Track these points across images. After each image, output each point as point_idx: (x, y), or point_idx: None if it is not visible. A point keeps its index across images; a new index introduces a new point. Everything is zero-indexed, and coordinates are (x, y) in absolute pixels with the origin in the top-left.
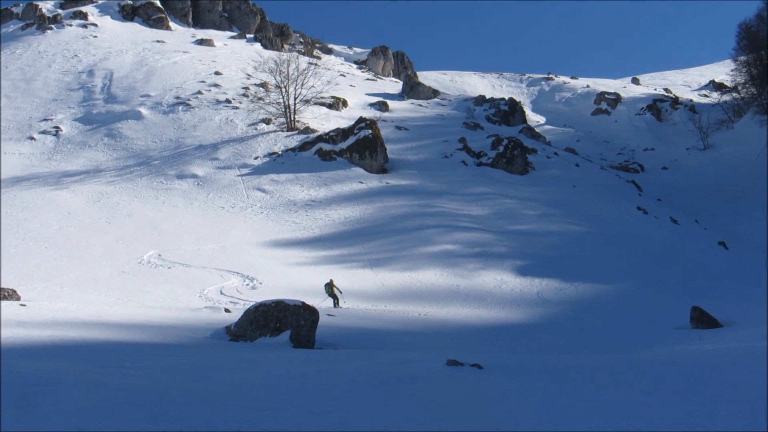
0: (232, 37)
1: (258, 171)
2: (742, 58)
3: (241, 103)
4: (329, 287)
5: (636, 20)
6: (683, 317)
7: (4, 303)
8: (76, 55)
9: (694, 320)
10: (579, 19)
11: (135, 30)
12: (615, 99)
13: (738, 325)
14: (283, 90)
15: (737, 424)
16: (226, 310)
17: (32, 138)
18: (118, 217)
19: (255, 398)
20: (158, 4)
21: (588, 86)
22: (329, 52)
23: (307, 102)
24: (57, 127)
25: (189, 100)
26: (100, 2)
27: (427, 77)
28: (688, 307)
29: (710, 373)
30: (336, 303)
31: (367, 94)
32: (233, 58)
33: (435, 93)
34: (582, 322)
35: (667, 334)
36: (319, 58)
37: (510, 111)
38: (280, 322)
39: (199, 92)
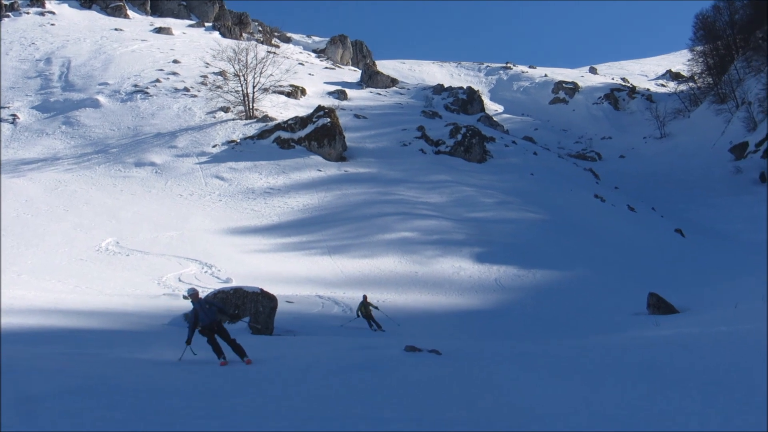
0: (191, 26)
1: (216, 159)
2: (699, 48)
3: (199, 91)
4: (364, 306)
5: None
6: (640, 303)
7: None
8: (33, 43)
9: (651, 306)
10: (537, 8)
11: (93, 18)
12: (573, 88)
13: (694, 310)
14: (242, 78)
15: (693, 407)
16: (185, 297)
17: None
18: (76, 204)
19: (213, 385)
20: None
21: (546, 75)
22: (288, 40)
23: (265, 90)
24: (14, 115)
25: (147, 88)
26: None
27: (385, 66)
28: (645, 294)
29: (666, 358)
30: (372, 323)
31: (325, 82)
32: (192, 46)
33: (393, 82)
34: (539, 308)
35: (624, 320)
36: (277, 46)
37: (468, 100)
38: (238, 308)
39: (158, 80)
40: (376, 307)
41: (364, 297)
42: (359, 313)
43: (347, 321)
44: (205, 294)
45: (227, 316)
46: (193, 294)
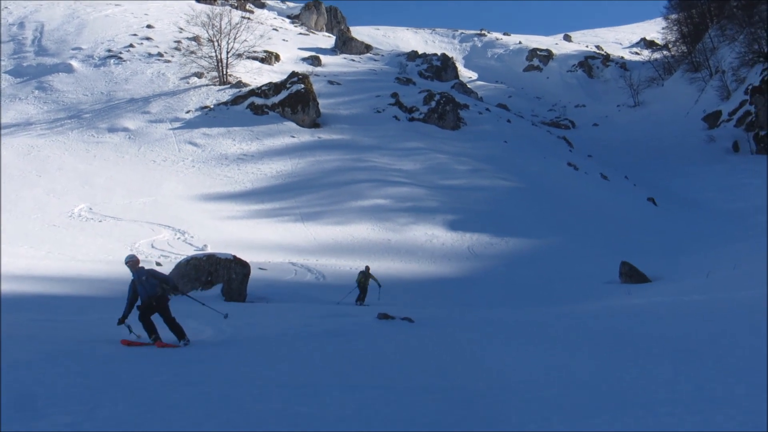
0: None
1: (190, 125)
2: (673, 16)
3: (173, 56)
4: (364, 276)
5: None
6: (612, 272)
7: None
8: (6, 8)
9: (622, 275)
10: None
11: None
12: (547, 56)
13: (665, 279)
14: (216, 44)
15: (664, 375)
16: (158, 264)
17: None
18: (49, 170)
19: (183, 351)
20: None
21: (520, 43)
22: (262, 6)
23: (239, 56)
24: None
25: (121, 53)
26: None
27: (360, 32)
28: (618, 262)
29: (638, 327)
30: (362, 297)
31: (299, 48)
32: (165, 11)
33: (368, 48)
34: (512, 276)
35: (596, 289)
36: (251, 12)
37: (442, 67)
38: (211, 275)
39: (131, 45)
40: (377, 282)
41: (367, 268)
42: (358, 283)
43: (343, 296)
44: (178, 260)
45: (172, 289)
46: (131, 261)
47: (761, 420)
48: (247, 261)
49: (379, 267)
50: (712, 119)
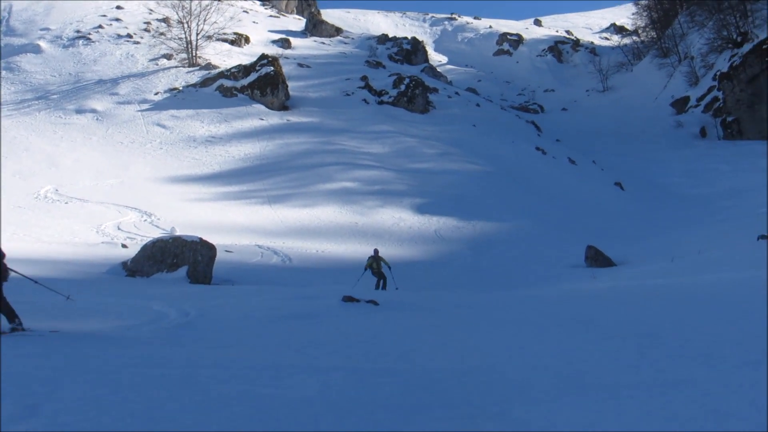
0: None
1: (158, 106)
2: (644, 2)
3: (142, 38)
4: (375, 260)
5: None
6: (579, 256)
7: None
8: None
9: (588, 259)
10: None
11: None
12: (517, 40)
13: (630, 263)
14: (185, 25)
15: (627, 359)
16: (123, 246)
17: None
18: (15, 151)
19: (149, 333)
20: None
21: (490, 27)
22: None
23: (209, 38)
24: None
25: (89, 34)
26: None
27: (330, 15)
28: (584, 246)
29: (603, 311)
30: (381, 283)
31: (269, 31)
32: None
33: (338, 31)
34: (479, 260)
35: (562, 273)
36: None
37: (412, 50)
38: (177, 257)
39: (100, 26)
40: (387, 264)
41: (376, 251)
42: (371, 268)
43: (356, 280)
44: (144, 242)
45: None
46: None
47: (722, 402)
48: (214, 243)
49: (346, 250)
50: (680, 105)
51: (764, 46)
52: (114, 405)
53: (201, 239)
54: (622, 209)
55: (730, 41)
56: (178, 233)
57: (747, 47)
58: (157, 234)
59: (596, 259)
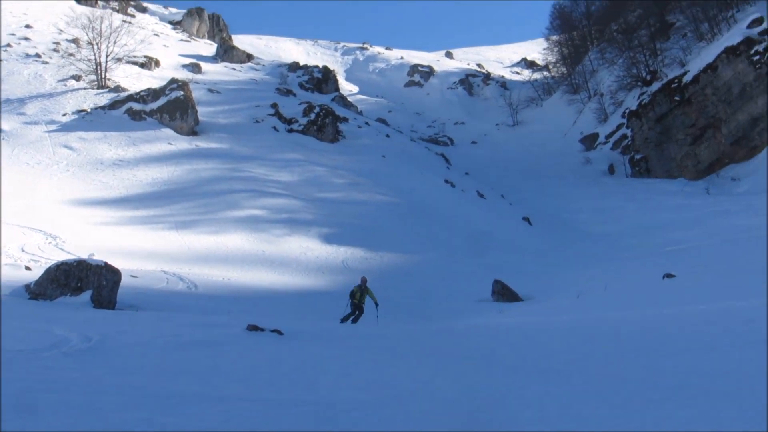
0: None
1: (66, 128)
2: (555, 37)
3: (51, 58)
4: (360, 291)
5: None
6: (485, 290)
7: None
8: None
9: (495, 293)
10: None
11: None
12: (428, 72)
13: (537, 299)
14: (95, 47)
15: (531, 394)
16: (27, 268)
17: None
18: None
19: (46, 358)
20: None
21: (402, 58)
22: (144, 10)
23: (119, 60)
24: None
25: None
26: None
27: (242, 41)
28: (491, 280)
29: (508, 345)
30: (356, 314)
31: (180, 55)
32: (45, 11)
33: (249, 57)
34: (386, 291)
35: (469, 307)
36: (133, 16)
37: (323, 79)
38: (81, 281)
39: (8, 45)
40: (374, 300)
41: (363, 280)
42: (354, 297)
43: (343, 313)
44: (48, 265)
45: None
46: None
47: None
48: (119, 268)
49: (253, 278)
50: (589, 141)
51: (673, 85)
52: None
53: (106, 263)
54: (529, 244)
55: (640, 79)
56: (83, 256)
57: (656, 86)
58: (62, 257)
59: (503, 293)
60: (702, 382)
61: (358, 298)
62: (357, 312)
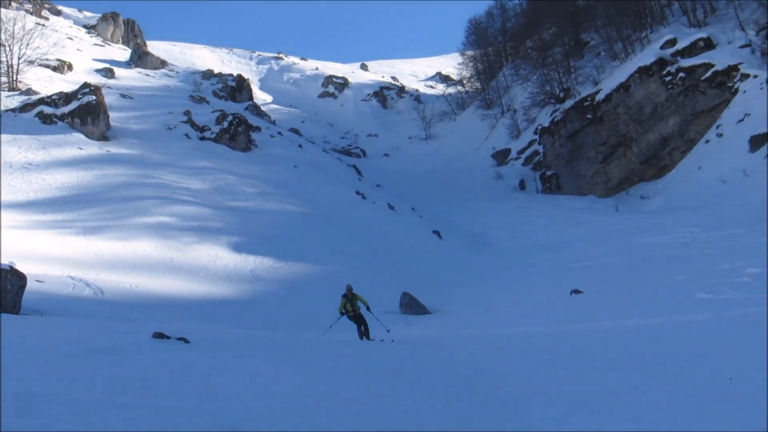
0: None
1: None
2: (470, 52)
3: None
4: (349, 300)
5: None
6: (394, 302)
7: None
8: None
9: (403, 306)
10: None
11: None
12: (343, 83)
13: (445, 312)
14: (7, 49)
15: (435, 406)
16: None
17: None
18: None
19: None
20: None
21: (317, 69)
22: (58, 13)
23: (31, 63)
24: None
25: None
26: None
27: (156, 47)
28: (399, 292)
29: (413, 358)
30: (362, 328)
31: (94, 59)
32: None
33: (163, 64)
34: (294, 301)
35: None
36: (47, 18)
37: (237, 87)
38: None
39: None
40: (365, 304)
41: (348, 288)
42: (343, 311)
43: (327, 327)
44: None
45: None
46: None
47: None
48: (24, 272)
49: (160, 285)
50: (502, 156)
51: (585, 103)
52: None
53: (11, 267)
54: (439, 257)
55: (553, 96)
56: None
57: (569, 103)
58: None
59: (411, 306)
60: (606, 401)
61: (352, 310)
62: (361, 326)
